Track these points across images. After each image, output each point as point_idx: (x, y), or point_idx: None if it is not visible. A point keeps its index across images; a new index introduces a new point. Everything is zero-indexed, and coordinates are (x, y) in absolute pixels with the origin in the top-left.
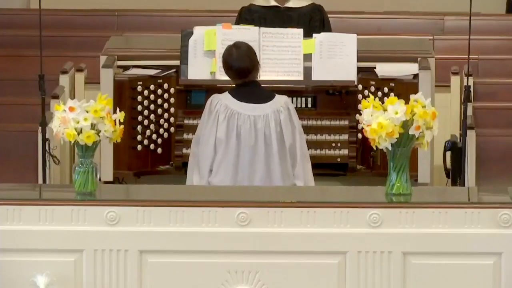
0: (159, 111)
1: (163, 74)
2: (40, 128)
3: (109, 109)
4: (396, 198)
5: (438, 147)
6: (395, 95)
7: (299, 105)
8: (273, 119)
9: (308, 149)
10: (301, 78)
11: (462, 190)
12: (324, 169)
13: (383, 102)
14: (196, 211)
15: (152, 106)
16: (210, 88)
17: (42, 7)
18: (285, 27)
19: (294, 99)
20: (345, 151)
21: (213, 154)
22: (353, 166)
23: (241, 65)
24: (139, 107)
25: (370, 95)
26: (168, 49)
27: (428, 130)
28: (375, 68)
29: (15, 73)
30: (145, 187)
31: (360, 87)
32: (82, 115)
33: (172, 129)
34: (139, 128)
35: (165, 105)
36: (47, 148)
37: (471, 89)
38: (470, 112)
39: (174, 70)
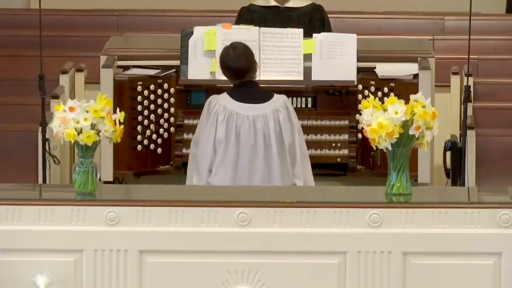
0: (159, 111)
1: (163, 74)
2: (40, 128)
3: (109, 109)
4: (396, 198)
5: (438, 147)
6: (395, 95)
7: (299, 105)
8: (272, 119)
9: (308, 149)
10: (301, 78)
11: (462, 190)
12: (324, 169)
13: (383, 102)
14: (196, 211)
15: (152, 106)
16: (210, 88)
17: (42, 7)
18: (285, 27)
19: (294, 99)
20: (345, 151)
21: (212, 155)
22: (353, 166)
23: (238, 66)
24: (139, 107)
25: (370, 95)
26: (168, 49)
27: (428, 130)
28: (375, 68)
29: (15, 73)
30: (145, 187)
31: (360, 87)
32: (82, 115)
33: (172, 129)
34: (139, 128)
35: (165, 105)
36: (47, 148)
37: (471, 89)
38: (470, 112)
39: (174, 70)
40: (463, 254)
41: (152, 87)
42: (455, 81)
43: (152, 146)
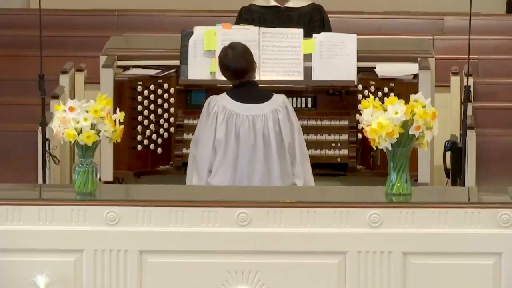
0: (159, 111)
1: (163, 74)
2: (40, 128)
3: (109, 109)
4: (396, 198)
5: (438, 147)
6: (395, 95)
7: (299, 105)
8: (272, 119)
9: (308, 149)
10: (301, 78)
11: (462, 190)
12: (324, 169)
13: (383, 102)
14: (196, 211)
15: (152, 106)
16: (210, 88)
17: (42, 7)
18: (285, 27)
19: (294, 99)
20: (345, 151)
21: (212, 155)
22: (353, 166)
23: (237, 66)
24: (139, 107)
25: (370, 95)
26: (168, 49)
27: (428, 130)
28: (375, 68)
29: (15, 73)
30: (145, 187)
31: (360, 87)
32: (82, 115)
33: (172, 129)
34: (139, 128)
35: (165, 105)
36: (47, 148)
37: (471, 89)
38: (470, 112)
39: (174, 70)
40: (463, 254)
41: (152, 87)
42: (455, 81)
43: (152, 146)
